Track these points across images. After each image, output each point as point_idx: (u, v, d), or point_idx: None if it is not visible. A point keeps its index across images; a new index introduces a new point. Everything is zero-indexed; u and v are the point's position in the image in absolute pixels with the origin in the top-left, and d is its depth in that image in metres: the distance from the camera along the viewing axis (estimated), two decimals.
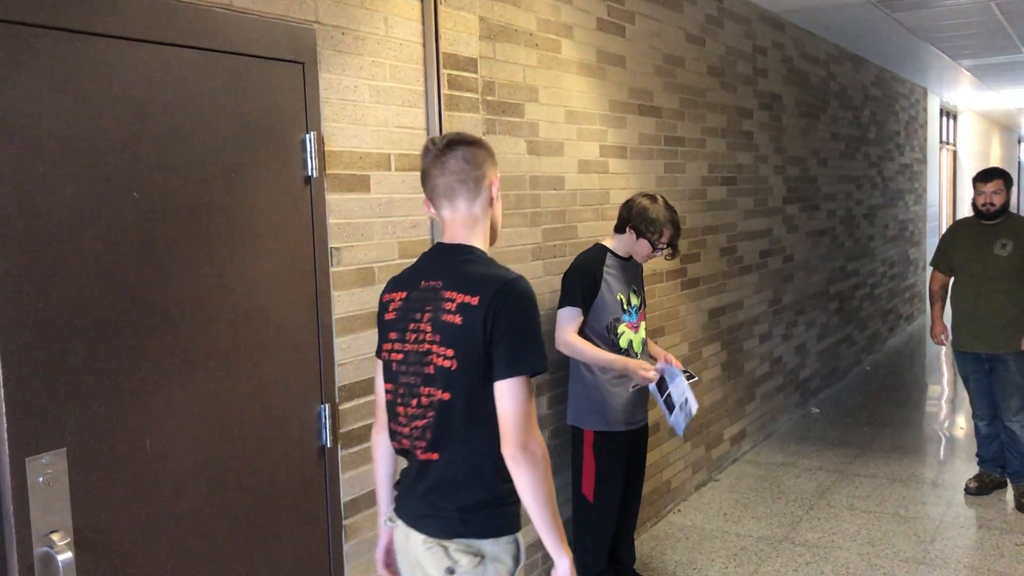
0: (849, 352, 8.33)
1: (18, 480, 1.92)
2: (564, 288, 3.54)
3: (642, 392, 3.67)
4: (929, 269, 5.32)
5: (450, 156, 2.10)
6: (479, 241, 2.14)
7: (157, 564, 2.20)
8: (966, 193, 14.99)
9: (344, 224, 2.73)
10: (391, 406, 2.15)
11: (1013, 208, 5.43)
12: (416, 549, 2.06)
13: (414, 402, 2.07)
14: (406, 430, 2.09)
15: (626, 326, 3.59)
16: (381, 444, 2.24)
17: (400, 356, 2.10)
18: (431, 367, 2.03)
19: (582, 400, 3.60)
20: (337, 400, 2.71)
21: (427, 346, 2.04)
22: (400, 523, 2.13)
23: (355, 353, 2.78)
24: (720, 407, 5.52)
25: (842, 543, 4.44)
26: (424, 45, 3.04)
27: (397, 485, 2.21)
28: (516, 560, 2.04)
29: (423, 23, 3.03)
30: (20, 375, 1.92)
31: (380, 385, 2.21)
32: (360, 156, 2.79)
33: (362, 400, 2.81)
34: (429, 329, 2.05)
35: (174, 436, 2.24)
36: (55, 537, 1.96)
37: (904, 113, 10.46)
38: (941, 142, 12.98)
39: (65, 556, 1.94)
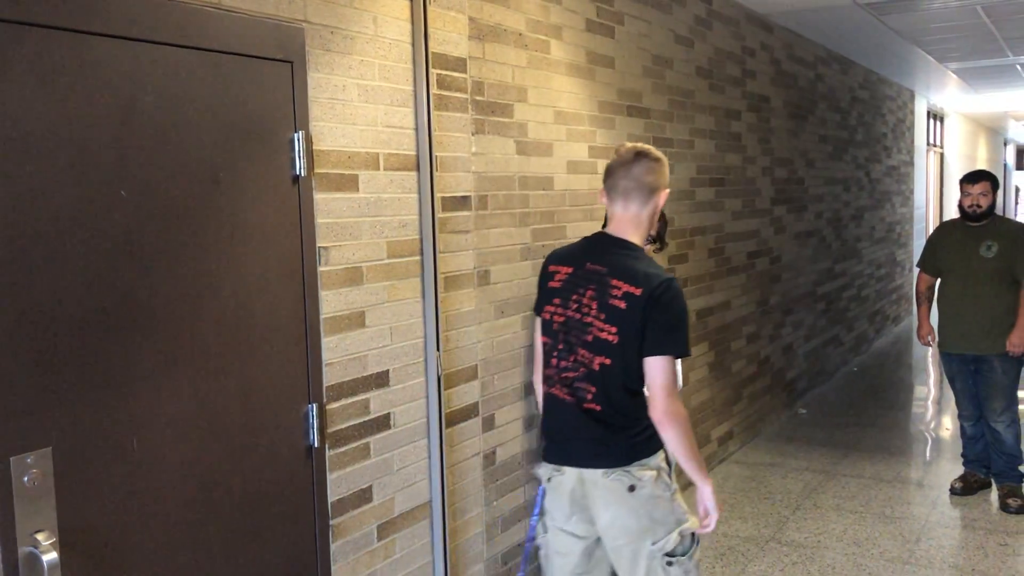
0: (836, 353, 8.36)
1: (2, 479, 1.90)
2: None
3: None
4: (916, 270, 5.31)
5: (636, 164, 2.62)
6: (638, 239, 2.67)
7: (143, 564, 2.20)
8: (953, 195, 15.08)
9: (332, 223, 2.73)
10: (547, 356, 2.74)
11: (999, 210, 5.46)
12: (594, 483, 2.62)
13: (571, 358, 2.65)
14: (557, 377, 2.69)
15: None
16: (538, 387, 2.88)
17: (561, 319, 2.68)
18: (590, 336, 2.61)
19: None
20: (325, 400, 2.71)
21: (590, 319, 2.60)
22: (568, 469, 2.68)
23: (343, 353, 2.77)
24: (707, 407, 5.53)
25: (828, 543, 4.47)
26: (413, 45, 3.03)
27: (550, 438, 2.76)
28: (669, 463, 2.71)
29: (412, 23, 3.03)
30: (5, 373, 1.91)
31: (538, 338, 2.81)
32: (348, 155, 2.78)
33: (349, 400, 2.81)
34: (595, 306, 2.60)
35: (161, 435, 2.23)
36: (40, 537, 1.95)
37: (891, 115, 10.51)
38: (928, 144, 13.05)
39: (50, 556, 1.93)
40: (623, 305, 2.54)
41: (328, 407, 2.73)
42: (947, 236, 5.09)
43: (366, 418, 2.88)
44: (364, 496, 2.88)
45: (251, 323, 2.45)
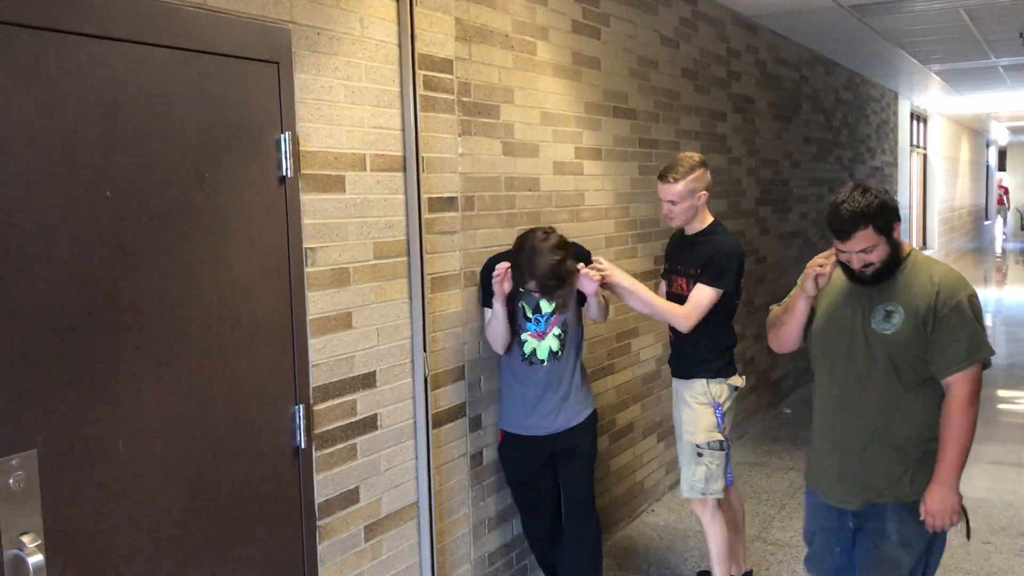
0: None
1: None
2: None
3: (550, 395, 3.43)
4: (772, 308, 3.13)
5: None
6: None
7: (130, 566, 2.19)
8: (936, 196, 15.20)
9: (319, 224, 2.72)
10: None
11: (934, 243, 3.76)
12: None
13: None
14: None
15: (529, 335, 3.40)
16: None
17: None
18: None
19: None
20: (311, 401, 2.71)
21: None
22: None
23: (330, 354, 2.77)
24: None
25: None
26: (400, 46, 3.04)
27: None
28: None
29: (399, 24, 3.03)
30: None
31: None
32: (335, 156, 2.78)
33: (336, 401, 2.81)
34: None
35: (147, 437, 2.22)
36: (26, 539, 1.94)
37: (875, 117, 10.58)
38: (912, 145, 13.14)
39: (36, 559, 1.92)
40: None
41: (315, 408, 2.72)
42: (827, 291, 2.83)
43: (353, 419, 2.88)
44: (351, 497, 2.88)
45: (237, 324, 2.45)
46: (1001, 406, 7.41)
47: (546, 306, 3.39)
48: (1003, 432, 6.55)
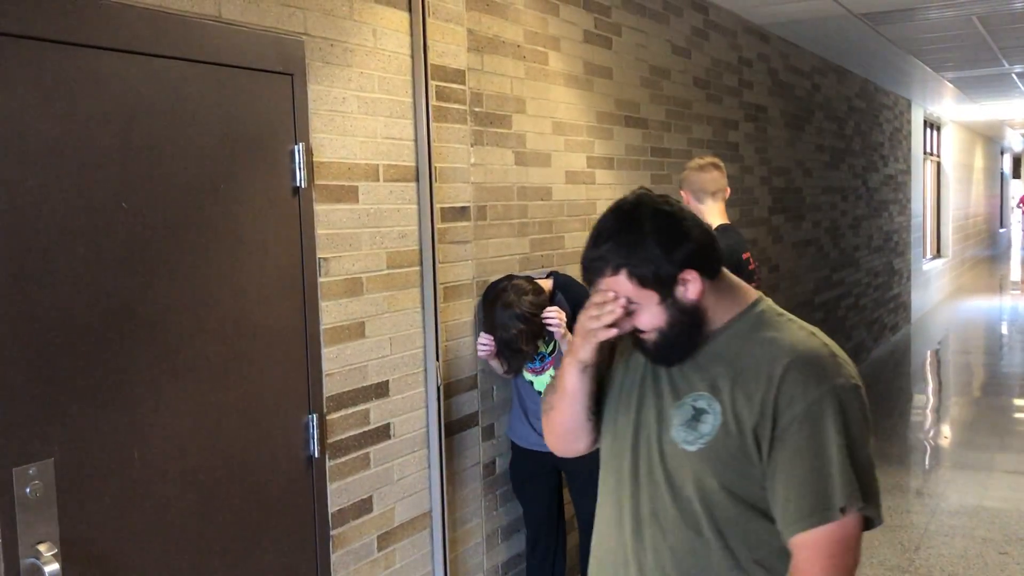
0: None
1: (5, 490, 1.91)
2: None
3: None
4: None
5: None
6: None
7: (144, 575, 2.20)
8: (950, 204, 15.13)
9: (332, 234, 2.74)
10: None
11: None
12: None
13: None
14: None
15: (527, 370, 3.41)
16: None
17: None
18: None
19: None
20: (325, 410, 2.72)
21: None
22: None
23: (343, 363, 2.78)
24: None
25: None
26: (412, 57, 3.05)
27: None
28: None
29: (411, 35, 3.05)
30: (7, 384, 1.92)
31: None
32: (348, 167, 2.80)
33: (350, 410, 2.82)
34: None
35: (162, 446, 2.24)
36: (42, 548, 1.95)
37: (888, 124, 10.55)
38: (925, 153, 13.09)
39: (52, 567, 1.94)
40: None
41: (328, 417, 2.73)
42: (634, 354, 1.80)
43: (366, 428, 2.88)
44: (364, 506, 2.89)
45: (251, 334, 2.46)
46: (1018, 415, 7.36)
47: (543, 346, 3.35)
48: (1019, 442, 6.50)
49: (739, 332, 1.57)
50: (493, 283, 3.39)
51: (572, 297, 3.35)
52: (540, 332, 3.22)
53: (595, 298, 1.57)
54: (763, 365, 1.50)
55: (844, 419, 1.46)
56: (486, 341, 3.27)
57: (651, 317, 1.54)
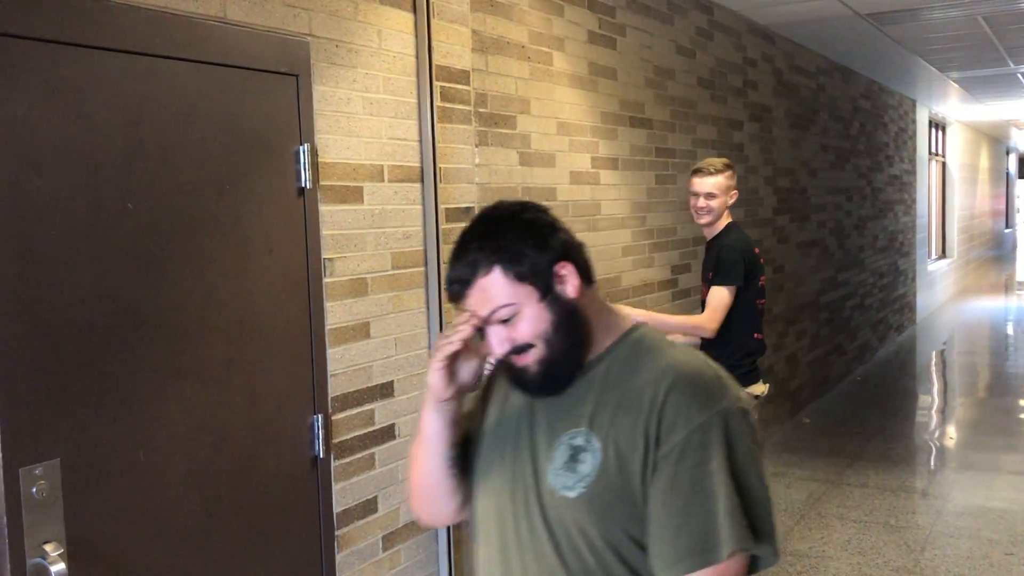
0: (839, 362, 8.36)
1: (11, 490, 1.92)
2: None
3: None
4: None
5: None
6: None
7: (150, 574, 2.20)
8: (955, 204, 15.10)
9: (337, 235, 2.74)
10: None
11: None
12: None
13: None
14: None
15: None
16: None
17: None
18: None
19: None
20: (330, 411, 2.72)
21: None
22: None
23: (348, 363, 2.78)
24: None
25: (833, 553, 4.46)
26: (417, 57, 3.06)
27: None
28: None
29: (416, 36, 3.05)
30: (14, 385, 1.92)
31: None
32: (353, 167, 2.80)
33: (355, 411, 2.82)
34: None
35: (168, 447, 2.24)
36: (48, 548, 1.96)
37: (893, 125, 10.53)
38: (930, 153, 13.07)
39: (58, 567, 1.94)
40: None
41: (333, 417, 2.74)
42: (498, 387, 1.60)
43: (371, 428, 2.89)
44: (369, 506, 2.89)
45: (257, 334, 2.47)
46: None
47: None
48: None
49: (619, 357, 1.42)
50: None
51: None
52: None
53: (461, 317, 1.40)
54: (645, 388, 1.35)
55: (730, 449, 1.30)
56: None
57: (533, 321, 1.37)
